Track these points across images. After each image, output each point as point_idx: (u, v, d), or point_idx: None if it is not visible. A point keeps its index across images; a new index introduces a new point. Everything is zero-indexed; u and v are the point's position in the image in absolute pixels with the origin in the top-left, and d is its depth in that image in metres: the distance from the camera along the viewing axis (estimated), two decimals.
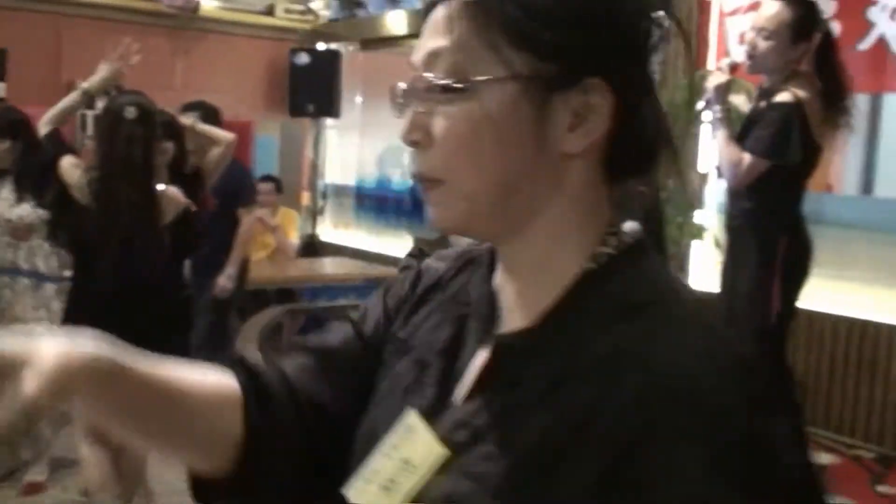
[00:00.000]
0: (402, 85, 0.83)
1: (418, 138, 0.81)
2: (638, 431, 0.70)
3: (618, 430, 0.71)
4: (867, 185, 5.53)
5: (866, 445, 4.43)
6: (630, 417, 0.70)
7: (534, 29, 0.77)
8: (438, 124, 0.80)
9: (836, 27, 4.47)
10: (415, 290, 0.98)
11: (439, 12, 0.81)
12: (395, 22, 7.41)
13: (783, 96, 3.14)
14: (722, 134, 3.24)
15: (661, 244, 2.54)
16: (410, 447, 0.83)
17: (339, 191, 8.57)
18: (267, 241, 6.19)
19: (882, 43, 4.37)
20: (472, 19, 0.78)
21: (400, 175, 7.89)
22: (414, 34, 6.56)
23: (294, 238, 6.56)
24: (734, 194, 3.36)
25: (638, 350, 0.73)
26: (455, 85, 0.78)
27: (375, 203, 8.02)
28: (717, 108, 3.25)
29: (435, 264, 0.99)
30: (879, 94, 5.42)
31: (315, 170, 8.68)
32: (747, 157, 3.15)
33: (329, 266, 6.84)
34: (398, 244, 7.48)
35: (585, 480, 0.71)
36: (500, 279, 0.88)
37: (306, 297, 6.15)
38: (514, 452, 0.76)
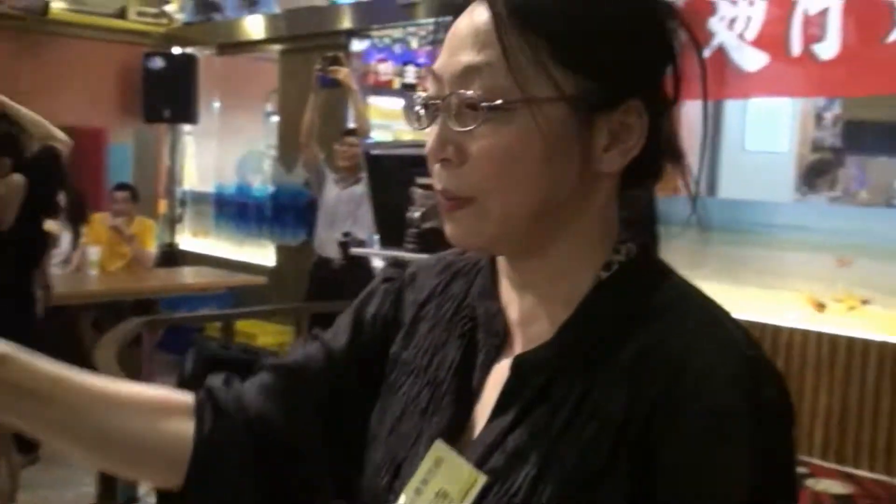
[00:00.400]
0: (423, 95, 0.80)
1: (449, 156, 0.77)
2: (663, 429, 0.72)
3: (647, 430, 0.72)
4: (711, 187, 5.83)
5: None
6: (657, 417, 0.72)
7: (583, 48, 0.75)
8: (477, 143, 0.76)
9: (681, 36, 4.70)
10: (400, 308, 0.94)
11: (475, 21, 0.76)
12: (253, 26, 7.31)
13: None
14: None
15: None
16: (443, 478, 0.80)
17: (198, 198, 8.38)
18: (123, 252, 6.01)
19: (721, 52, 4.60)
20: (516, 35, 0.74)
21: (260, 181, 7.79)
22: (272, 38, 6.49)
23: (152, 247, 6.38)
24: None
25: (662, 353, 0.74)
26: (504, 106, 0.74)
27: (236, 210, 7.89)
28: None
29: (420, 278, 0.95)
30: (720, 101, 5.73)
31: (172, 177, 8.47)
32: None
33: (189, 275, 6.69)
34: (260, 252, 7.39)
35: (623, 489, 0.72)
36: (509, 292, 0.86)
37: (166, 307, 6.00)
38: (559, 474, 0.74)
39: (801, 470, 4.15)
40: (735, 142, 6.02)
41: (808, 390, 4.34)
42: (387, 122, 9.11)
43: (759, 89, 4.67)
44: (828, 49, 4.22)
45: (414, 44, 8.63)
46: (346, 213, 4.74)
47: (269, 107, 7.72)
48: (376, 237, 3.01)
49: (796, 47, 4.33)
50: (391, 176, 2.75)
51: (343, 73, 4.80)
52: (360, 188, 4.77)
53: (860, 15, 4.13)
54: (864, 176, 8.31)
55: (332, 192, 4.82)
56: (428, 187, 2.63)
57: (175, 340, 5.57)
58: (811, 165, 7.69)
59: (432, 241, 2.62)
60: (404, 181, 2.65)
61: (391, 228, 2.73)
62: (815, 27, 4.26)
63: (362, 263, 4.69)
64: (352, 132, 4.89)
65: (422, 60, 8.58)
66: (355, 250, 2.81)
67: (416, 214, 2.61)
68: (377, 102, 8.51)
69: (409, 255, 2.62)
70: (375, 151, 2.80)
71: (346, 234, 2.77)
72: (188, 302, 6.26)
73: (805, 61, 4.31)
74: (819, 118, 8.30)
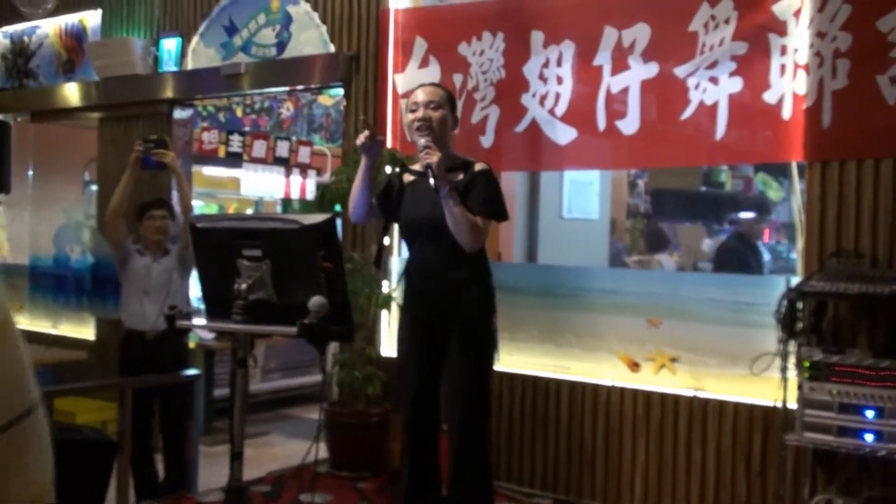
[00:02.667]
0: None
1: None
2: None
3: None
4: (531, 253, 6.11)
5: (544, 493, 4.81)
6: None
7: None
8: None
9: (496, 111, 4.98)
10: None
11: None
12: (70, 93, 7.17)
13: (480, 165, 3.58)
14: (457, 202, 3.43)
15: (347, 315, 2.72)
16: None
17: (11, 271, 8.03)
18: None
19: (535, 126, 4.89)
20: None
21: (79, 252, 7.56)
22: (90, 106, 6.38)
23: None
24: (442, 266, 3.57)
25: None
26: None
27: (53, 282, 7.61)
28: (443, 182, 3.42)
29: None
30: (537, 173, 6.05)
31: None
32: (480, 220, 3.46)
33: None
34: (79, 327, 7.15)
35: None
36: None
37: None
38: None
39: None
40: (552, 210, 6.34)
41: (628, 445, 4.58)
42: (212, 191, 9.07)
43: (571, 162, 4.97)
44: (630, 125, 4.59)
45: (239, 112, 8.67)
46: (159, 285, 4.70)
47: (88, 175, 7.54)
48: (198, 308, 3.04)
49: (602, 123, 4.67)
50: (217, 248, 2.79)
51: (170, 156, 4.78)
52: (171, 260, 4.75)
53: (658, 94, 4.51)
54: (677, 240, 8.91)
55: (142, 265, 4.74)
56: (254, 259, 2.70)
57: None
58: (629, 231, 8.19)
59: (259, 312, 2.68)
60: (231, 253, 2.71)
61: (218, 300, 2.77)
62: (618, 104, 4.61)
63: (178, 336, 4.65)
64: (158, 204, 4.83)
65: (247, 129, 8.62)
66: (182, 323, 2.83)
67: (243, 286, 2.67)
68: (202, 171, 8.47)
69: (236, 326, 2.67)
70: (201, 224, 2.85)
71: (173, 308, 2.78)
72: None
73: (610, 136, 4.65)
74: (633, 186, 8.86)
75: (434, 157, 3.40)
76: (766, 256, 7.71)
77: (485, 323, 3.60)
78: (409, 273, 3.73)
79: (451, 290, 3.57)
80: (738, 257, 6.70)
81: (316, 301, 2.56)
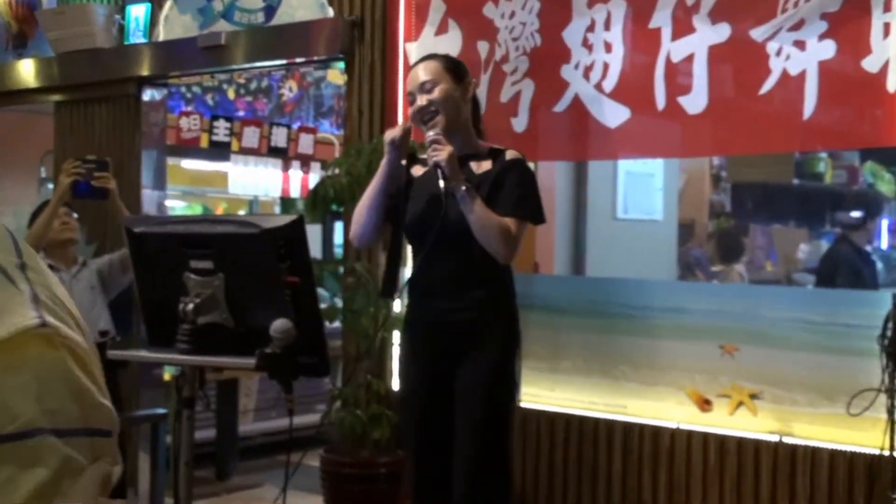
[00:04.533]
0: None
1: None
2: None
3: None
4: (577, 263, 6.00)
5: None
6: None
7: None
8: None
9: (531, 86, 4.88)
10: None
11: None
12: (21, 73, 7.16)
13: (512, 154, 3.51)
14: (479, 204, 3.37)
15: (319, 343, 2.62)
16: None
17: None
18: None
19: (578, 104, 4.79)
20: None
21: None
22: (44, 88, 6.35)
23: None
24: (459, 284, 3.52)
25: None
26: None
27: None
28: (457, 183, 3.36)
29: None
30: (583, 163, 5.92)
31: None
32: (514, 224, 3.38)
33: None
34: None
35: None
36: None
37: None
38: None
39: None
40: (604, 210, 6.24)
41: (696, 501, 4.48)
42: (195, 189, 9.04)
43: (624, 149, 4.89)
44: (696, 102, 4.46)
45: (231, 94, 8.62)
46: (86, 305, 4.64)
47: (45, 171, 7.56)
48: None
49: (661, 100, 4.55)
50: (159, 259, 2.72)
51: (114, 182, 4.73)
52: (92, 276, 4.70)
53: (731, 62, 4.40)
54: (773, 246, 8.75)
55: (62, 286, 4.71)
56: (204, 273, 2.60)
57: None
58: (712, 235, 8.06)
59: (210, 339, 2.59)
60: (176, 265, 2.62)
61: (161, 324, 2.68)
62: (681, 76, 4.50)
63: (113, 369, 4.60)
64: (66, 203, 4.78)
65: (241, 113, 8.57)
66: (114, 353, 2.74)
67: (190, 306, 2.57)
68: (181, 164, 8.42)
69: (180, 357, 2.58)
70: (139, 229, 2.75)
71: (104, 334, 2.70)
72: None
73: (672, 115, 4.54)
74: (717, 179, 8.69)
75: (443, 153, 3.35)
76: (879, 266, 7.55)
77: (507, 356, 3.53)
78: (414, 288, 3.64)
79: (467, 314, 3.51)
80: (848, 267, 6.54)
81: (279, 325, 2.47)
